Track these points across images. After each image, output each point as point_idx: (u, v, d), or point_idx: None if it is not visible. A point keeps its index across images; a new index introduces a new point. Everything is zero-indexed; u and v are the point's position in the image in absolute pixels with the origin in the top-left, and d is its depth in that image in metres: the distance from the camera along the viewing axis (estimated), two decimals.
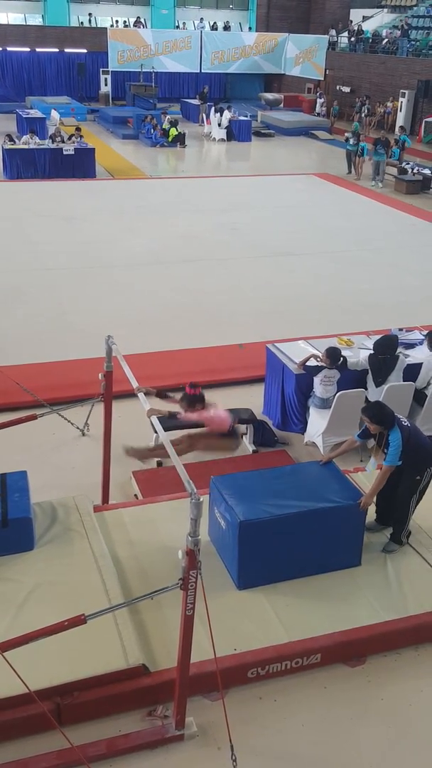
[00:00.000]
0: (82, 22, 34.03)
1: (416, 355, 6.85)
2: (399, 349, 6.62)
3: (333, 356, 6.32)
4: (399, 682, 4.31)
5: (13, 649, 3.30)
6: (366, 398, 6.46)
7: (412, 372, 6.65)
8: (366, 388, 6.51)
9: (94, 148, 18.56)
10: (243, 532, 4.52)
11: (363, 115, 26.47)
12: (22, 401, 6.76)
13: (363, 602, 4.63)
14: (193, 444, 5.33)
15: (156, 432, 4.37)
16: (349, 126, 27.40)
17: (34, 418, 5.54)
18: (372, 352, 6.54)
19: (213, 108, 25.10)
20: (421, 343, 7.05)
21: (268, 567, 4.70)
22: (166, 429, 4.48)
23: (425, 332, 7.26)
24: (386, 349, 6.48)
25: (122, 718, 3.97)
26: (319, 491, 4.90)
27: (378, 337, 6.81)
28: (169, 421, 5.09)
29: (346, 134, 19.88)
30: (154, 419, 4.34)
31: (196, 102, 28.56)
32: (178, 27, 34.55)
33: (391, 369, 6.44)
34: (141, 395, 4.58)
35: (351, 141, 19.16)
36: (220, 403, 5.39)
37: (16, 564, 4.73)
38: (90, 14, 34.08)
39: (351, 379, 6.52)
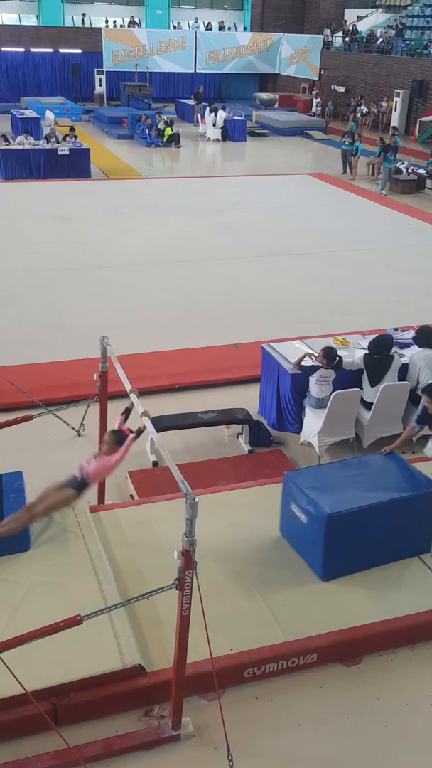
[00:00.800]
0: (84, 23, 33.97)
1: (411, 354, 6.86)
2: (394, 349, 6.64)
3: (329, 356, 6.33)
4: (395, 682, 4.31)
5: (9, 650, 3.30)
6: (361, 398, 6.47)
7: (407, 372, 6.66)
8: (361, 388, 6.52)
9: (89, 149, 18.54)
10: (329, 524, 4.61)
11: (358, 115, 26.51)
12: (18, 402, 6.76)
13: (359, 602, 4.64)
14: (33, 515, 4.51)
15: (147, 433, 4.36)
16: (344, 126, 27.47)
17: (29, 418, 5.54)
18: (367, 352, 6.55)
19: (208, 108, 25.13)
20: None
21: (351, 557, 4.81)
22: (159, 430, 4.48)
23: None
24: (381, 348, 6.49)
25: (119, 718, 3.97)
26: (392, 481, 5.06)
27: (373, 336, 6.82)
28: (162, 422, 5.05)
29: (344, 136, 19.79)
30: (147, 421, 4.34)
31: (190, 102, 28.59)
32: (175, 27, 34.55)
33: (386, 369, 6.45)
34: (134, 396, 4.57)
35: (347, 141, 19.18)
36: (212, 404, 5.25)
37: (11, 565, 4.72)
38: (84, 14, 34.06)
39: (346, 378, 6.53)
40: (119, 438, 4.49)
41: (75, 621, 3.37)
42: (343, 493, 4.84)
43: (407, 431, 5.46)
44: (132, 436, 4.42)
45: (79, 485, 4.45)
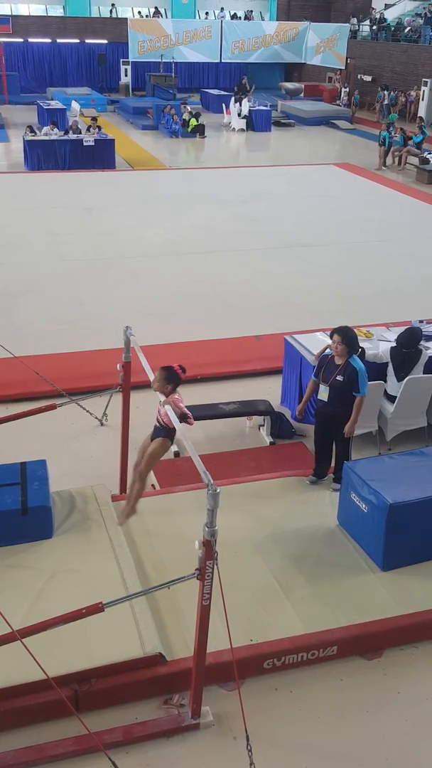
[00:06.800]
0: (112, 13, 33.88)
1: None
2: (420, 342, 6.54)
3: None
4: (416, 676, 4.29)
5: (31, 635, 3.33)
6: (384, 391, 6.41)
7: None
8: (384, 380, 6.45)
9: (113, 139, 18.57)
10: (392, 514, 4.62)
11: (383, 104, 26.20)
12: (42, 391, 6.81)
13: (380, 595, 4.62)
14: (143, 474, 4.85)
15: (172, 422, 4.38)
16: (371, 115, 27.20)
17: (53, 407, 5.58)
18: (395, 345, 6.46)
19: (233, 97, 25.01)
20: None
21: (411, 548, 4.82)
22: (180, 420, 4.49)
23: None
24: (411, 342, 6.38)
25: (139, 706, 4.00)
26: None
27: (398, 328, 6.74)
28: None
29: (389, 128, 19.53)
30: (169, 408, 4.35)
31: (215, 92, 28.47)
32: (207, 15, 34.26)
33: (414, 363, 6.35)
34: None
35: (392, 133, 19.01)
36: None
37: (35, 552, 4.78)
38: (113, 5, 33.92)
39: (369, 371, 6.45)
40: (169, 374, 4.57)
41: (97, 608, 3.39)
42: (404, 483, 4.84)
43: None
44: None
45: (164, 432, 4.57)
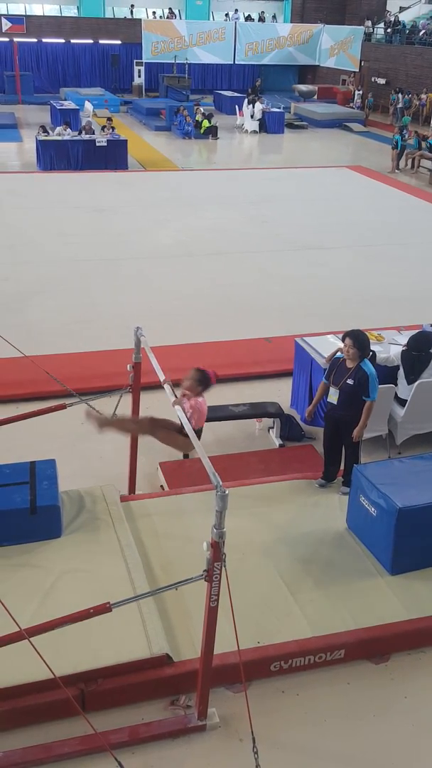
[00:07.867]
0: (132, 13, 33.97)
1: None
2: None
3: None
4: (423, 681, 4.27)
5: (39, 634, 3.34)
6: (395, 394, 6.39)
7: None
8: (395, 384, 6.43)
9: (126, 140, 18.62)
10: (401, 518, 4.61)
11: (397, 107, 26.15)
12: (52, 390, 6.81)
13: (388, 599, 4.60)
14: (153, 430, 4.85)
15: (181, 423, 4.38)
16: (384, 118, 27.14)
17: (63, 407, 5.58)
18: (405, 348, 6.44)
19: (246, 99, 25.02)
20: None
21: (420, 552, 4.80)
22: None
23: None
24: (422, 345, 6.36)
25: (145, 706, 4.01)
26: None
27: (410, 332, 6.72)
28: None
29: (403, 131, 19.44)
30: (179, 410, 4.35)
31: (228, 94, 28.49)
32: (226, 17, 34.28)
33: (425, 366, 6.34)
34: (167, 386, 4.60)
35: (405, 136, 19.00)
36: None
37: (43, 551, 4.79)
38: (132, 5, 33.96)
39: (380, 374, 6.43)
40: (203, 377, 4.53)
41: (104, 608, 3.40)
42: (414, 487, 4.82)
43: None
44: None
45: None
